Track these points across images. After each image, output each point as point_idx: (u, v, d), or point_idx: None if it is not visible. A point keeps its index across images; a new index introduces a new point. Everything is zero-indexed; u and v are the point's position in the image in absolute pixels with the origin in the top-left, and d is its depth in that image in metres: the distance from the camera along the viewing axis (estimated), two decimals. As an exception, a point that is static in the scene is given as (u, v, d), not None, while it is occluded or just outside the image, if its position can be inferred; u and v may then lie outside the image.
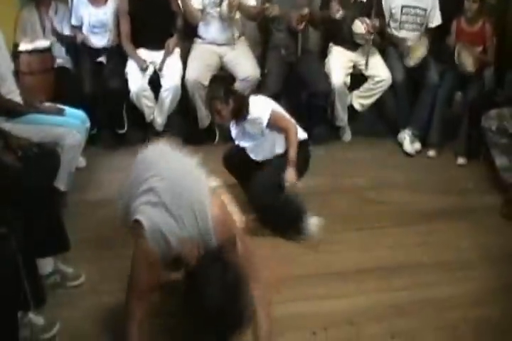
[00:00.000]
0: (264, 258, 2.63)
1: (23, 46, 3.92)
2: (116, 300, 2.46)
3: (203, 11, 4.36)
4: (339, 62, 4.51)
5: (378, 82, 4.49)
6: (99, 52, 4.40)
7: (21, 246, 2.29)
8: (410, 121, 4.54)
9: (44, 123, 3.36)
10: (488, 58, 4.45)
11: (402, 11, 4.56)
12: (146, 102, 4.27)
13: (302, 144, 3.35)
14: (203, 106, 4.26)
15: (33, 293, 2.37)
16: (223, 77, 3.94)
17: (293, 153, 3.27)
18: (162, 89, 4.29)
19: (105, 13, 4.37)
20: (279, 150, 3.36)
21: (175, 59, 4.43)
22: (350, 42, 4.52)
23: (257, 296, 2.22)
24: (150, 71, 4.34)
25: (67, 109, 3.58)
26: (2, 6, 4.06)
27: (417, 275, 3.05)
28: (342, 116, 4.60)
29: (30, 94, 3.53)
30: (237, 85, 4.15)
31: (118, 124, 4.42)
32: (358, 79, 4.59)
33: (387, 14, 4.59)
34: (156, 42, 4.41)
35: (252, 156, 3.42)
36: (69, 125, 3.45)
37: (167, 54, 4.38)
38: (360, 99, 4.62)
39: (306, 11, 4.25)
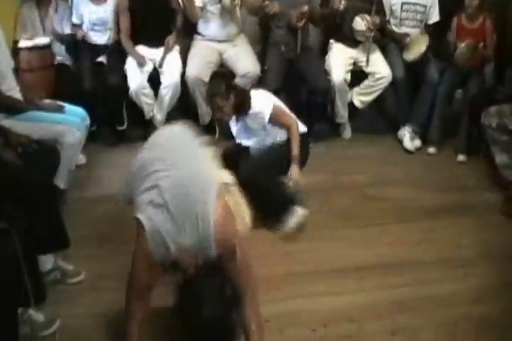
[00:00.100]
0: (264, 255, 2.63)
1: (23, 43, 3.91)
2: (116, 296, 2.46)
3: (203, 8, 4.35)
4: (339, 59, 4.50)
5: (379, 79, 4.48)
6: (99, 49, 4.39)
7: (22, 242, 2.29)
8: (410, 118, 4.54)
9: (44, 120, 3.36)
10: (488, 54, 4.43)
11: (402, 7, 4.55)
12: (145, 99, 4.27)
13: (302, 137, 3.36)
14: (203, 103, 4.25)
15: (34, 289, 2.36)
16: (223, 73, 3.93)
17: (296, 150, 3.28)
18: (161, 86, 4.29)
19: (105, 11, 4.36)
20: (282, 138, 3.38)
21: (174, 56, 4.42)
22: (351, 39, 4.51)
23: (249, 306, 2.19)
24: (149, 68, 4.33)
25: (67, 106, 3.57)
26: (2, 3, 4.05)
27: (417, 272, 3.05)
28: (342, 113, 4.59)
29: (30, 90, 3.52)
30: (237, 82, 4.14)
31: (118, 121, 4.42)
32: (358, 76, 4.58)
33: (387, 11, 4.58)
34: (155, 40, 4.39)
35: None
36: (69, 123, 3.45)
37: (167, 51, 4.37)
38: (361, 96, 4.61)
39: (305, 8, 4.24)
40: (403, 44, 4.49)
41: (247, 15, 4.56)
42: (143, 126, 4.38)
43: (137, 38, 4.38)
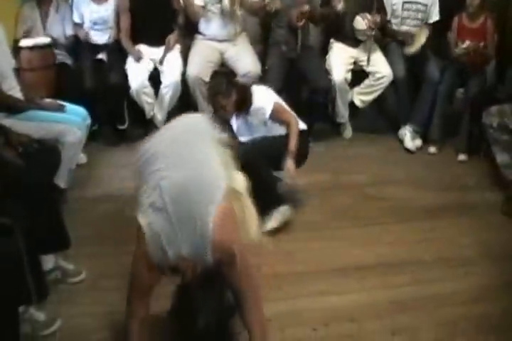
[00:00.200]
0: (265, 254, 2.63)
1: (24, 42, 3.91)
2: (117, 296, 2.46)
3: (204, 7, 4.35)
4: (340, 59, 4.50)
5: (379, 78, 4.48)
6: (100, 48, 4.39)
7: (25, 240, 2.29)
8: (411, 118, 4.54)
9: (45, 120, 3.36)
10: (489, 54, 4.43)
11: (403, 6, 4.55)
12: (146, 99, 4.27)
13: (302, 134, 3.36)
14: (204, 102, 4.25)
15: (36, 286, 2.36)
16: (224, 72, 3.92)
17: (293, 145, 3.28)
18: (162, 86, 4.29)
19: (106, 10, 4.36)
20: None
21: (175, 55, 4.42)
22: (352, 39, 4.51)
23: (251, 312, 2.14)
24: (150, 67, 4.33)
25: (68, 106, 3.57)
26: (3, 2, 4.04)
27: (418, 271, 3.04)
28: (343, 113, 4.59)
29: (31, 90, 3.52)
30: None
31: (119, 120, 4.43)
32: (358, 75, 4.58)
33: (388, 10, 4.57)
34: (156, 39, 4.40)
35: None
36: (70, 122, 3.45)
37: (167, 49, 4.38)
38: (361, 96, 4.61)
39: (306, 8, 4.24)
40: (406, 43, 4.49)
41: (248, 15, 4.56)
42: (144, 126, 4.39)
43: (138, 37, 4.39)
